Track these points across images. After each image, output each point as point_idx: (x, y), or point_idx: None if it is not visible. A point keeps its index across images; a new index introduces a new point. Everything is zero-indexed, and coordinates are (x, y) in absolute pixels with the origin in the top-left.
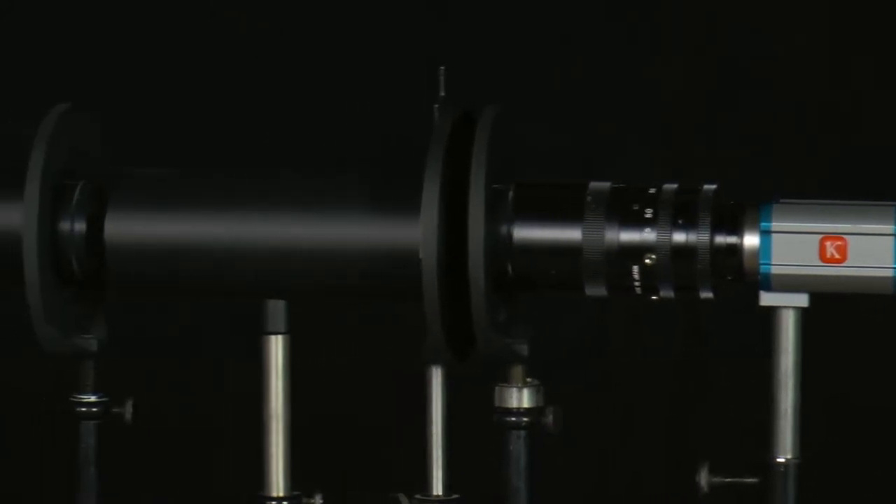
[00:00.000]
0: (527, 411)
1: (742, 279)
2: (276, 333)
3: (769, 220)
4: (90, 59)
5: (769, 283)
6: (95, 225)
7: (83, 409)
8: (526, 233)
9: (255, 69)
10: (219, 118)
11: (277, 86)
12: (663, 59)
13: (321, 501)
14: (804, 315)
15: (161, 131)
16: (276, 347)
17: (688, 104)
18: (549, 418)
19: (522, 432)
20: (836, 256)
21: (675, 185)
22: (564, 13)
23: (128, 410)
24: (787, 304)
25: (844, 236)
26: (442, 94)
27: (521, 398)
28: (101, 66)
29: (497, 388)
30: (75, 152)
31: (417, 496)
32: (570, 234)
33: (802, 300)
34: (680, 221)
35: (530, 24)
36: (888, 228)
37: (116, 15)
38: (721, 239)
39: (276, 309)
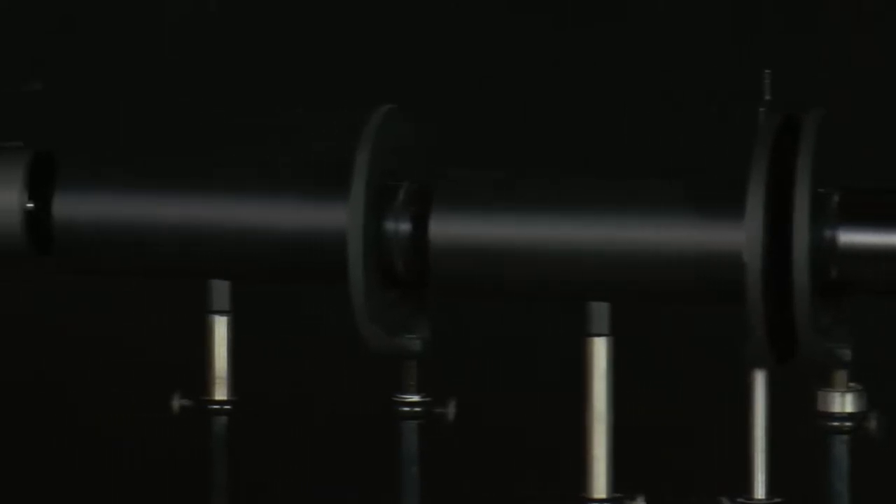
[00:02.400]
0: (849, 416)
1: None
2: (599, 335)
3: None
4: (405, 60)
5: None
6: (420, 225)
7: (406, 409)
8: (851, 237)
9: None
10: (524, 119)
11: (579, 90)
12: None
13: None
14: None
15: (474, 132)
16: (599, 349)
17: None
18: (873, 424)
19: (845, 437)
20: None
21: None
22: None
23: (450, 410)
24: None
25: None
26: (767, 97)
27: (843, 403)
28: (414, 66)
29: (819, 392)
30: (398, 152)
31: (740, 500)
32: None
33: None
34: None
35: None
36: None
37: (435, 15)
38: None
39: (601, 311)
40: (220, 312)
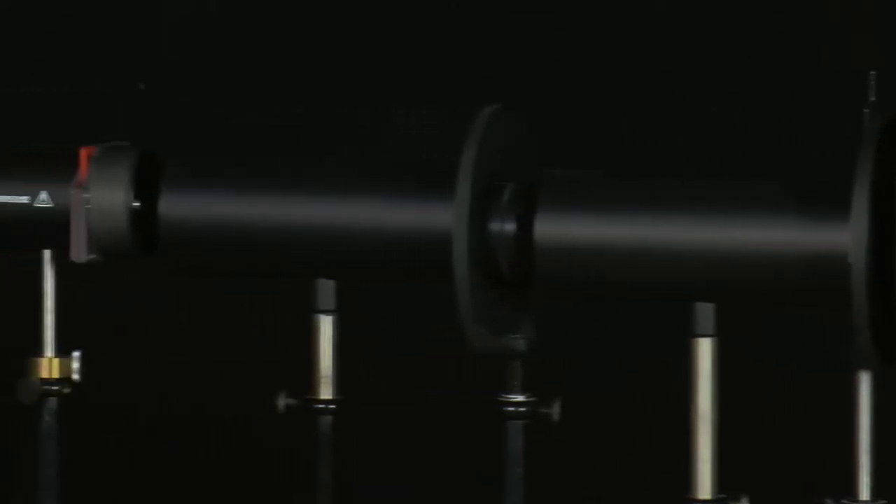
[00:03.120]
0: None
1: None
2: (704, 336)
3: None
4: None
5: None
6: (525, 226)
7: (510, 409)
8: None
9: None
10: (633, 121)
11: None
12: None
13: None
14: None
15: (585, 132)
16: (704, 349)
17: None
18: None
19: None
20: None
21: None
22: None
23: (555, 411)
24: None
25: None
26: (872, 98)
27: None
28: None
29: None
30: (503, 153)
31: (844, 501)
32: None
33: None
34: None
35: None
36: None
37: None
38: None
39: (705, 312)
40: (326, 312)
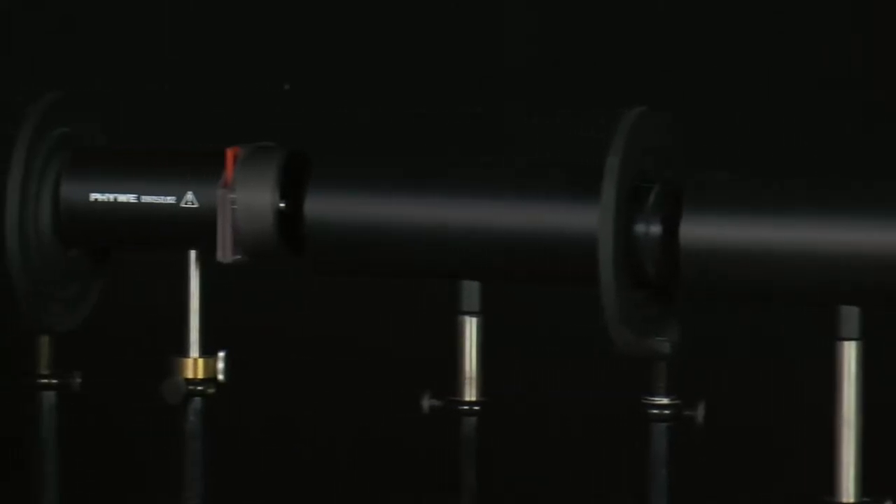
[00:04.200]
0: None
1: None
2: (849, 339)
3: None
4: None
5: None
6: (670, 228)
7: (655, 411)
8: None
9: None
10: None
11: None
12: None
13: None
14: None
15: (732, 134)
16: (850, 353)
17: None
18: None
19: None
20: None
21: None
22: None
23: (700, 413)
24: None
25: None
26: None
27: None
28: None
29: None
30: (651, 153)
31: None
32: None
33: None
34: None
35: None
36: None
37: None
38: None
39: (851, 315)
40: (471, 313)
